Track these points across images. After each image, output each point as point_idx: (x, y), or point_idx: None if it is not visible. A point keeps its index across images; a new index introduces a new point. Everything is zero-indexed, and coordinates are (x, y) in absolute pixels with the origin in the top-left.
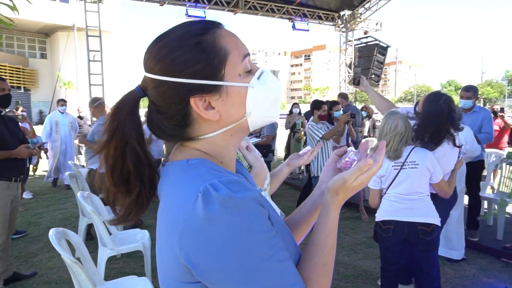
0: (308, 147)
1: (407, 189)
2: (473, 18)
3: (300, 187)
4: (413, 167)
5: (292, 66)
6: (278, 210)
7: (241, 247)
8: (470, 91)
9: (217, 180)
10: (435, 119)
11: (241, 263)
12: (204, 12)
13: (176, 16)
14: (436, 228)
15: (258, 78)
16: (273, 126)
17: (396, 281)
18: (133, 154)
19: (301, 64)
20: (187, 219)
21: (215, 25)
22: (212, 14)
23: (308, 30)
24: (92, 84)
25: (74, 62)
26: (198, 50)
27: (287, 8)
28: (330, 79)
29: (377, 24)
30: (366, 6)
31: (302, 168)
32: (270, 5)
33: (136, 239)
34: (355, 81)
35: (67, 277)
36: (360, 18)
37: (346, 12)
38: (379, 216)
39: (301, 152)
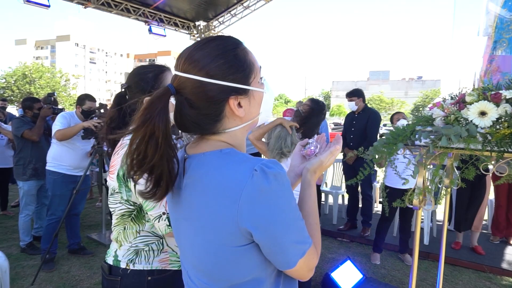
0: None
1: None
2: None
3: None
4: None
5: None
6: None
7: (287, 210)
8: None
9: (266, 161)
10: (319, 116)
11: (286, 221)
12: (48, 0)
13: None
14: None
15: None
16: None
17: None
18: (155, 144)
19: None
20: (248, 191)
21: (241, 42)
22: (56, 5)
23: (165, 36)
24: None
25: None
26: (236, 60)
27: (144, 10)
28: None
29: None
30: (220, 20)
31: None
32: (126, 5)
33: None
34: None
35: None
36: (214, 31)
37: (202, 23)
38: None
39: None
